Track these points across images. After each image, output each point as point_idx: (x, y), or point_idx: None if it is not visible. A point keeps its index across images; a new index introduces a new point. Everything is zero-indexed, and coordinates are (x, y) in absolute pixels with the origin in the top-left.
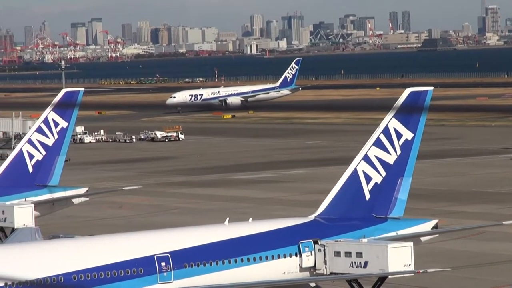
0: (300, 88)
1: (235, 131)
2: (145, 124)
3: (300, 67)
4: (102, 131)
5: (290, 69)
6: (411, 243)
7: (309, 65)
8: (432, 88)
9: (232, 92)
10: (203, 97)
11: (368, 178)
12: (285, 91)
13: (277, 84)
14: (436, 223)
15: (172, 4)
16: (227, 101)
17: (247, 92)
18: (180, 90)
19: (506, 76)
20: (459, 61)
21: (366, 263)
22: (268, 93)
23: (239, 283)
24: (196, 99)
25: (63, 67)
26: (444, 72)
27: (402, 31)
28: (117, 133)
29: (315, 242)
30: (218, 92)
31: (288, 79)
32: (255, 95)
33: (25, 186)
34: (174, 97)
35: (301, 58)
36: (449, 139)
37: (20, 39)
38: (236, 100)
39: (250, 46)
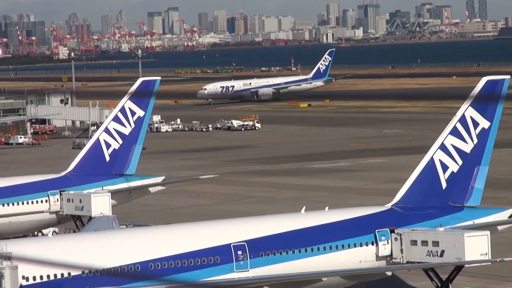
0: (334, 80)
1: (311, 120)
2: (221, 113)
3: (376, 55)
4: (178, 120)
5: (323, 61)
6: (488, 232)
7: (385, 53)
8: (508, 77)
9: (264, 84)
10: (235, 88)
11: (444, 167)
12: (318, 83)
13: (310, 75)
14: None
15: None
16: (258, 93)
17: (279, 84)
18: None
19: None
20: None
21: (442, 252)
22: (300, 84)
23: (316, 271)
24: (227, 90)
25: (139, 56)
26: None
27: (479, 20)
28: (193, 122)
29: (392, 231)
30: (250, 83)
31: (321, 70)
32: (287, 87)
33: (102, 175)
34: (205, 89)
35: (334, 49)
36: None
37: (97, 29)
38: (267, 92)
39: (326, 35)
